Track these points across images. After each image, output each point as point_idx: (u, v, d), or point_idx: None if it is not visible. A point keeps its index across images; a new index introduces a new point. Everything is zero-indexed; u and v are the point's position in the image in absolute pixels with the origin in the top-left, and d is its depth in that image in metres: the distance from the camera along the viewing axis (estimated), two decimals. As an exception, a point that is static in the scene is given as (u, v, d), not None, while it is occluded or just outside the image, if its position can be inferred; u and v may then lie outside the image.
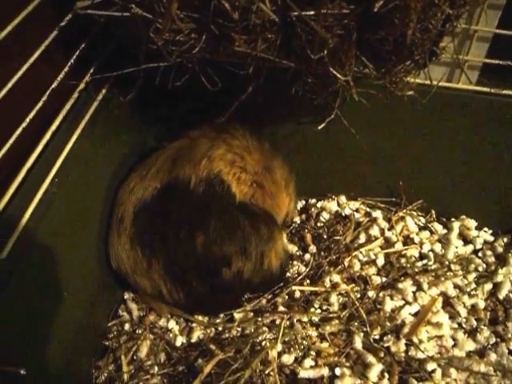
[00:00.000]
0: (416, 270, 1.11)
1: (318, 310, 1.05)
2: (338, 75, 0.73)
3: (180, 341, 1.03)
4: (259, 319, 1.03)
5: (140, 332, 1.05)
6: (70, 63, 0.88)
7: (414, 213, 1.24)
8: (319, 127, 0.86)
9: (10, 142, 0.77)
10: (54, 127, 0.87)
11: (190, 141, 1.04)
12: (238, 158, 1.03)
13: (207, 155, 1.00)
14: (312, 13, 0.66)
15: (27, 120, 0.80)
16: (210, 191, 0.98)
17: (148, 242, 0.98)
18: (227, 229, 0.97)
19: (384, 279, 1.10)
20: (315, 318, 1.04)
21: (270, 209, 1.08)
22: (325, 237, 1.20)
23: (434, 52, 0.76)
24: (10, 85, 0.76)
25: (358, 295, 1.07)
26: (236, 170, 1.02)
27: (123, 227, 0.99)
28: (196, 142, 1.03)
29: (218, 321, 1.06)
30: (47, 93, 0.84)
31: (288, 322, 1.02)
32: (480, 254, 1.17)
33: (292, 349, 0.99)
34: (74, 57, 0.89)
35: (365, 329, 1.01)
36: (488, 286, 1.09)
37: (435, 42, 0.74)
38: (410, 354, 0.98)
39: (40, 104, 0.82)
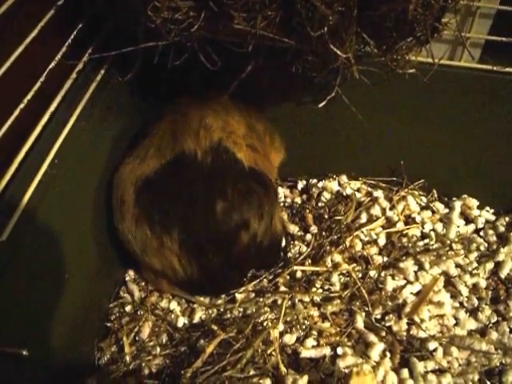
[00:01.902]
0: (417, 249, 1.11)
1: (320, 290, 1.05)
2: (339, 52, 0.73)
3: (182, 321, 1.03)
4: (261, 299, 1.03)
5: (142, 313, 1.05)
6: (67, 43, 0.87)
7: (416, 192, 1.23)
8: (320, 105, 0.85)
9: (8, 123, 0.76)
10: (52, 108, 0.86)
11: (180, 115, 1.04)
12: (226, 124, 1.04)
13: (202, 126, 1.00)
14: (312, -11, 0.65)
15: (25, 101, 0.79)
16: (218, 160, 0.98)
17: (157, 220, 0.96)
18: (244, 194, 0.97)
19: (385, 259, 1.10)
20: (317, 298, 1.04)
21: (266, 169, 1.08)
22: (326, 217, 1.19)
23: (436, 28, 0.75)
24: (6, 65, 0.75)
25: (360, 275, 1.07)
26: (229, 135, 1.02)
27: (125, 208, 0.98)
28: (187, 115, 1.03)
29: (219, 301, 1.06)
30: (45, 73, 0.83)
31: (289, 302, 1.03)
32: (482, 234, 1.17)
33: (294, 329, 0.99)
34: (72, 37, 0.88)
35: (366, 308, 1.01)
36: (489, 265, 1.09)
37: (437, 18, 0.73)
38: (411, 333, 0.98)
39: (38, 85, 0.81)
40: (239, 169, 1.00)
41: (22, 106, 0.78)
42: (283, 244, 1.14)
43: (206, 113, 1.03)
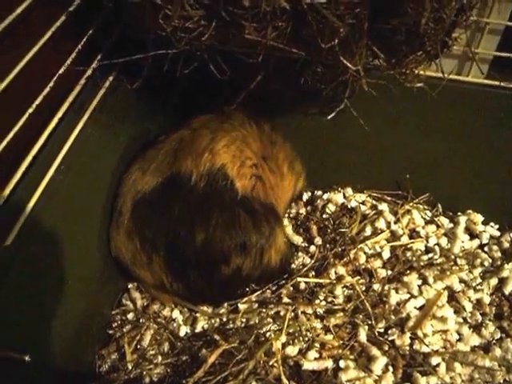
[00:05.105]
0: (422, 263, 1.11)
1: (323, 302, 1.05)
2: (349, 65, 0.73)
3: (184, 330, 1.03)
4: (264, 310, 1.03)
5: (143, 321, 1.04)
6: (77, 49, 0.87)
7: (421, 206, 1.23)
8: (329, 117, 0.85)
9: (16, 128, 0.76)
10: (60, 114, 0.86)
11: (190, 132, 1.03)
12: (238, 152, 1.02)
13: (209, 148, 0.99)
14: (324, 1, 0.65)
15: (33, 106, 0.79)
16: (211, 186, 0.97)
17: (148, 237, 0.97)
18: (227, 226, 0.95)
19: (389, 272, 1.10)
20: (320, 310, 1.03)
21: (272, 199, 1.07)
22: (330, 229, 1.19)
23: (446, 43, 0.75)
24: (16, 70, 0.75)
25: (363, 288, 1.07)
26: (237, 163, 1.01)
27: (121, 220, 0.99)
28: (197, 134, 1.02)
29: (222, 311, 1.06)
30: (54, 79, 0.83)
31: (292, 314, 1.02)
32: (486, 249, 1.17)
33: (296, 340, 0.99)
34: (82, 43, 0.88)
35: (369, 322, 1.01)
36: (494, 281, 1.08)
37: (448, 33, 0.73)
38: (414, 347, 0.98)
39: (47, 90, 0.82)
40: (231, 198, 0.98)
41: (30, 110, 0.78)
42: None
43: (220, 135, 1.01)
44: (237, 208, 0.98)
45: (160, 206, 0.97)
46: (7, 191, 0.76)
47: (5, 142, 0.74)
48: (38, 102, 0.80)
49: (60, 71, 0.84)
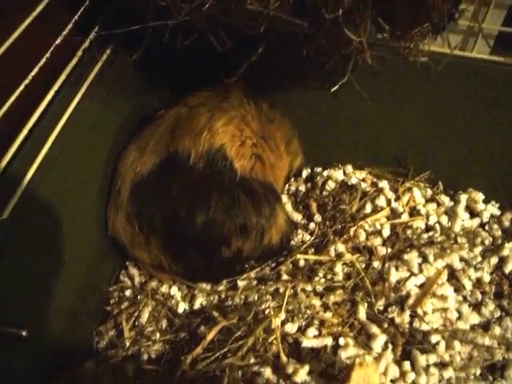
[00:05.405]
0: (422, 241, 1.10)
1: (323, 280, 1.04)
2: (353, 36, 0.71)
3: (182, 307, 1.03)
4: (263, 287, 1.02)
5: (141, 298, 1.04)
6: (74, 19, 0.85)
7: (421, 184, 1.22)
8: (332, 90, 0.84)
9: (12, 99, 0.75)
10: (56, 86, 0.85)
11: (188, 109, 1.01)
12: (238, 131, 1.00)
13: (207, 127, 0.97)
14: (329, -30, 0.63)
15: (29, 77, 0.78)
16: (211, 167, 0.96)
17: (146, 219, 0.96)
18: (228, 208, 0.95)
19: (389, 250, 1.09)
20: (319, 287, 1.02)
21: (271, 179, 1.06)
22: (330, 206, 1.18)
23: (453, 15, 0.73)
24: (11, 39, 0.73)
25: (363, 265, 1.06)
26: (236, 143, 1.00)
27: (119, 201, 0.98)
28: (195, 112, 1.00)
29: (220, 288, 1.05)
30: (50, 50, 0.81)
31: (292, 291, 1.01)
32: (487, 228, 1.16)
33: (295, 318, 0.98)
34: (79, 13, 0.86)
35: (369, 299, 1.00)
36: (494, 260, 1.08)
37: (455, 4, 0.71)
38: (414, 325, 0.97)
39: (43, 61, 0.80)
40: (230, 178, 0.97)
41: (26, 81, 0.77)
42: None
43: (218, 114, 1.00)
44: (236, 189, 0.97)
45: (159, 188, 0.96)
46: (3, 163, 0.75)
47: (0, 114, 0.73)
48: (33, 73, 0.78)
49: (57, 42, 0.82)
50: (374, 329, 0.96)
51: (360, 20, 0.70)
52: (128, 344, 0.97)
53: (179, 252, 0.98)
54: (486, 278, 1.05)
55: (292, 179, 1.26)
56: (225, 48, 0.79)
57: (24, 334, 0.70)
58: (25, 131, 0.78)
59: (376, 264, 1.06)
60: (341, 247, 1.09)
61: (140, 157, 0.98)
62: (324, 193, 1.21)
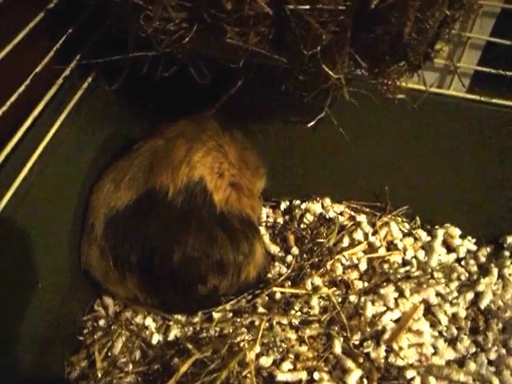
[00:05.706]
0: (398, 276, 1.10)
1: (299, 313, 1.03)
2: (330, 73, 0.72)
3: (156, 339, 1.01)
4: (238, 320, 1.01)
5: (115, 328, 1.02)
6: (55, 48, 0.85)
7: (399, 218, 1.23)
8: (309, 125, 0.84)
9: (-11, 125, 0.75)
10: (35, 113, 0.84)
11: (165, 142, 0.99)
12: (216, 162, 1.00)
13: (186, 161, 0.96)
14: (307, 7, 0.64)
15: (7, 104, 0.77)
16: (189, 202, 0.95)
17: (121, 254, 0.94)
18: (205, 246, 0.94)
19: (366, 284, 1.09)
20: (295, 321, 1.02)
21: (248, 209, 1.05)
22: (308, 239, 1.18)
23: (429, 54, 0.75)
24: (-9, 66, 0.73)
25: (340, 299, 1.06)
26: (215, 175, 0.99)
27: (93, 235, 0.96)
28: (172, 144, 0.98)
29: (195, 320, 1.04)
30: (30, 77, 0.81)
31: (267, 324, 1.00)
32: (463, 263, 1.17)
33: (270, 351, 0.97)
34: (61, 41, 0.86)
35: (345, 333, 1.00)
36: (470, 295, 1.08)
37: (430, 44, 0.73)
38: (389, 360, 0.97)
39: (22, 88, 0.80)
40: (210, 213, 0.97)
41: (4, 108, 0.76)
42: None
43: (196, 146, 0.98)
44: (215, 226, 0.96)
45: (135, 223, 0.94)
46: (-22, 191, 0.74)
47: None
48: (12, 99, 0.77)
49: (37, 70, 0.82)
50: (350, 363, 0.95)
51: (338, 57, 0.71)
52: (100, 375, 0.95)
53: (155, 288, 0.97)
54: (462, 313, 1.06)
55: (270, 211, 1.26)
56: (204, 80, 0.80)
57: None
58: (1, 158, 0.78)
59: (352, 298, 1.06)
60: (317, 280, 1.08)
61: (115, 191, 0.96)
62: (302, 225, 1.22)
